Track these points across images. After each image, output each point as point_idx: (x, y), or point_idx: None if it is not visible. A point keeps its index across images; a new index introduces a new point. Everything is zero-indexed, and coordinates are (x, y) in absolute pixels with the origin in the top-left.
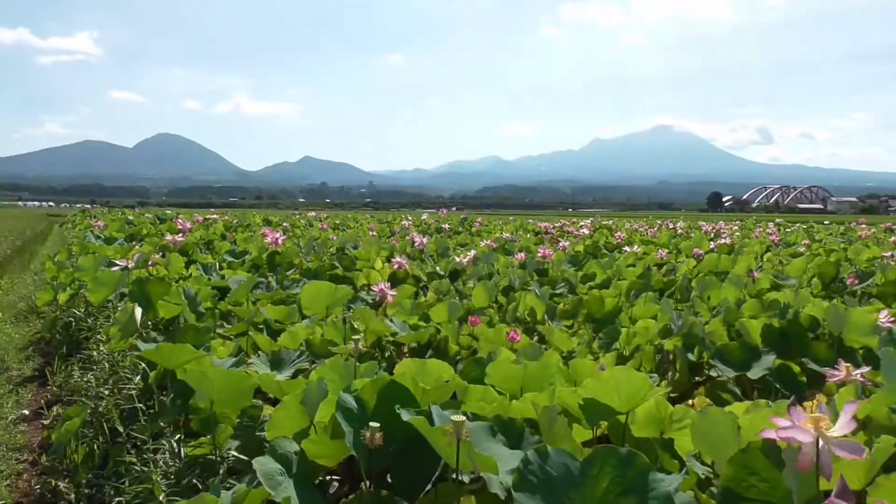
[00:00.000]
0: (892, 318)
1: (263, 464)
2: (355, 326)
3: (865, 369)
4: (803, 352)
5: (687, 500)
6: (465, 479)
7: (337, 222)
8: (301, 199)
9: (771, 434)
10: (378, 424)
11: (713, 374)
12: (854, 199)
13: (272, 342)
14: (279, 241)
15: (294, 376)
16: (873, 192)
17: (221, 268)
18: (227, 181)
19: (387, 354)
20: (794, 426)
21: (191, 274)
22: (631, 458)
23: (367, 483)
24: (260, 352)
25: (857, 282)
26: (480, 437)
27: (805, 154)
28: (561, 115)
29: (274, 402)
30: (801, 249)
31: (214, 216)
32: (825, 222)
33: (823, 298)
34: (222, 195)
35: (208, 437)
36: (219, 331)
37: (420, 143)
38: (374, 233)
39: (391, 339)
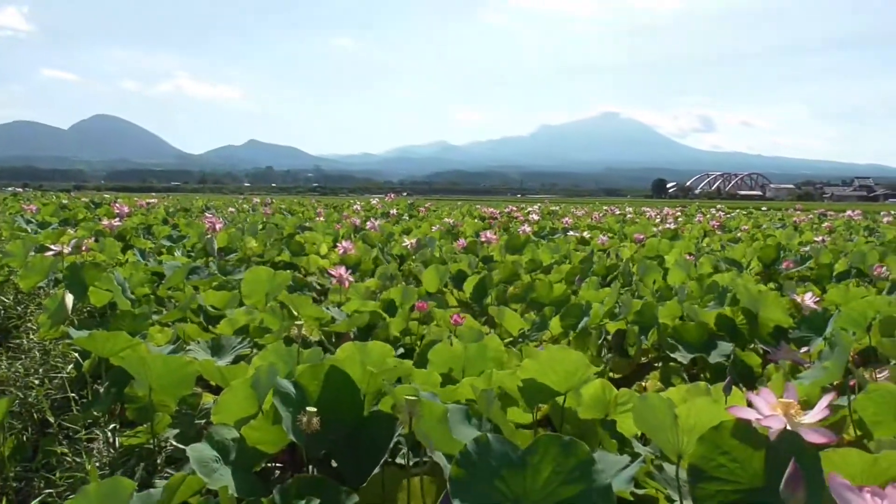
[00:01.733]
0: (817, 299)
1: (199, 451)
2: (294, 313)
3: (804, 350)
4: (749, 334)
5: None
6: (410, 462)
7: (282, 207)
8: (246, 184)
9: (742, 413)
10: (315, 409)
11: (660, 358)
12: (791, 186)
13: (211, 329)
14: (216, 227)
15: (234, 363)
16: (809, 179)
17: (161, 253)
18: (169, 164)
19: (332, 340)
20: (772, 414)
21: (127, 259)
22: (572, 446)
23: (310, 469)
24: (199, 338)
25: (793, 265)
26: (456, 419)
27: (745, 142)
28: (509, 101)
29: (213, 390)
30: (741, 235)
31: (154, 200)
32: (763, 208)
33: (762, 282)
34: (164, 179)
35: (145, 425)
36: (156, 317)
37: (368, 127)
38: (322, 218)
39: (329, 326)
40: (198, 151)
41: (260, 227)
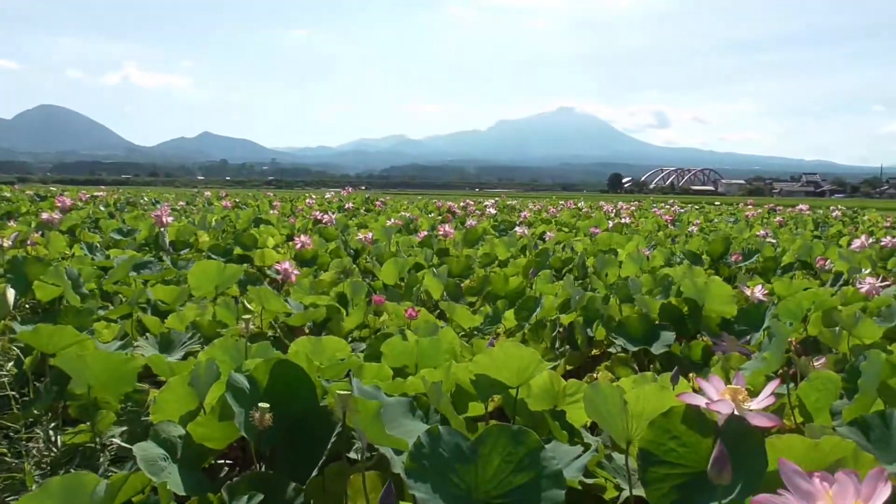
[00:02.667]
0: (766, 292)
1: (144, 449)
2: (248, 307)
3: (744, 340)
4: (695, 325)
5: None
6: (358, 456)
7: (237, 200)
8: (200, 177)
9: (692, 399)
10: (268, 405)
11: (612, 349)
12: (742, 181)
13: (160, 324)
14: (166, 220)
15: (184, 359)
16: (759, 174)
17: (109, 247)
18: (119, 157)
19: (279, 334)
20: (721, 399)
21: (73, 254)
22: (521, 435)
23: (259, 465)
24: (148, 334)
25: (741, 259)
26: (396, 413)
27: (698, 138)
28: (467, 95)
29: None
30: (693, 229)
31: (102, 193)
32: (716, 203)
33: (712, 274)
34: (113, 171)
35: (88, 424)
36: (102, 313)
37: (325, 120)
38: (276, 211)
39: (286, 319)
40: (149, 144)
41: (214, 220)
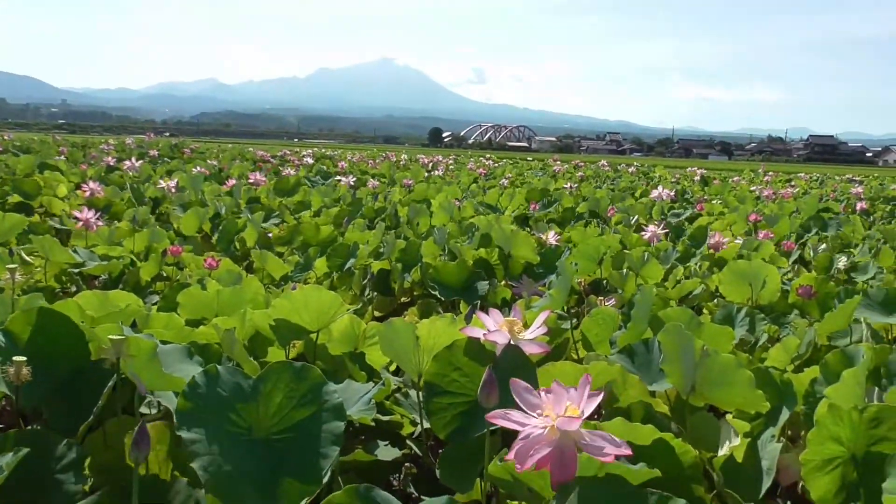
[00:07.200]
0: (559, 237)
1: None
2: (25, 258)
3: (543, 282)
4: (502, 271)
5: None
6: (149, 409)
7: (17, 144)
8: None
9: (472, 332)
10: (24, 358)
11: (423, 295)
12: (554, 138)
13: None
14: None
15: None
16: (569, 132)
17: None
18: None
19: (73, 289)
20: (498, 330)
21: None
22: (304, 371)
23: (24, 423)
24: None
25: (539, 208)
26: (173, 358)
27: (514, 95)
28: (285, 40)
29: None
30: (505, 182)
31: None
32: (528, 158)
33: (517, 224)
34: None
35: None
36: None
37: (126, 58)
38: (64, 157)
39: (83, 270)
40: None
41: None
